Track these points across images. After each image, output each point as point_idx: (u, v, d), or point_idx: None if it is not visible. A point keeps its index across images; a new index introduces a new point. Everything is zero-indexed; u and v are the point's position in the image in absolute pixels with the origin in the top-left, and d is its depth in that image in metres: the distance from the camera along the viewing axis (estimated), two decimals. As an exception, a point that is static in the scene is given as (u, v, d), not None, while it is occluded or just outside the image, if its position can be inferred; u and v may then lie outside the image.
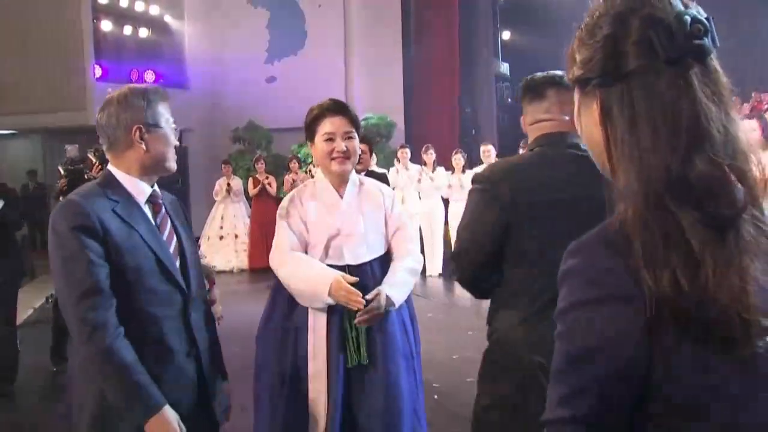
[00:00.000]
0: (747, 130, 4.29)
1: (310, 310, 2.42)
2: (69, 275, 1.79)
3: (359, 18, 14.42)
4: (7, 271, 4.79)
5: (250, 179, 10.19)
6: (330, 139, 2.45)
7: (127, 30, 13.63)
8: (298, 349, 2.42)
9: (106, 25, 13.08)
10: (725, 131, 0.84)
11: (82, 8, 11.97)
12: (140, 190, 1.95)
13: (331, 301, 2.32)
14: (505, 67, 18.25)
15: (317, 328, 2.41)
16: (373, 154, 9.52)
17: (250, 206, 10.42)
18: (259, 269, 9.56)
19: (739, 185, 0.82)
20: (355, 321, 2.34)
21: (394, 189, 9.20)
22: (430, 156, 9.05)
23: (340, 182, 2.53)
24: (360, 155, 4.60)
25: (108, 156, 1.97)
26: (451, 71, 14.42)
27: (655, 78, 0.84)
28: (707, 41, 0.86)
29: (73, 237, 1.77)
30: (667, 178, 0.82)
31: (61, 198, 4.93)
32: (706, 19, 0.86)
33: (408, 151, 9.21)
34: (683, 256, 0.80)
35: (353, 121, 2.51)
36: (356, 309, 2.30)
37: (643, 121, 0.84)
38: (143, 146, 1.91)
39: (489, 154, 8.33)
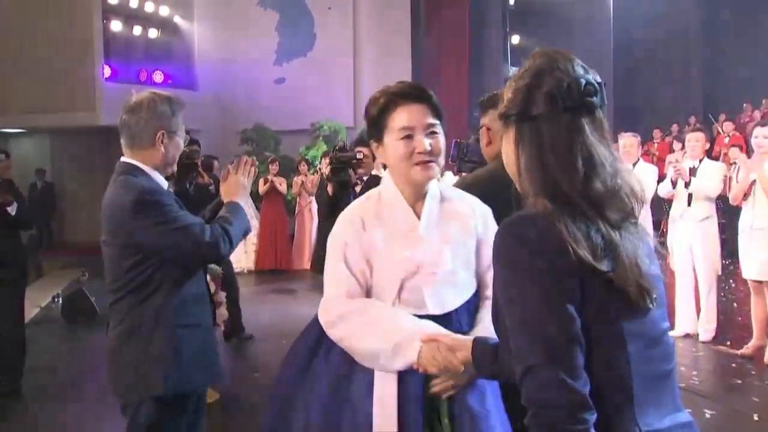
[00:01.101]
0: (760, 136, 4.35)
1: (376, 374, 1.75)
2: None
3: (368, 21, 14.42)
4: (16, 272, 4.78)
5: (261, 179, 10.12)
6: (408, 136, 1.78)
7: (137, 30, 13.65)
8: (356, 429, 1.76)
9: (116, 26, 13.10)
10: (611, 163, 1.18)
11: (92, 8, 11.98)
12: (162, 181, 2.25)
13: (414, 362, 1.66)
14: (514, 72, 18.19)
15: (386, 402, 1.73)
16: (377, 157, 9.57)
17: (257, 208, 10.37)
18: (267, 271, 9.54)
19: (625, 198, 1.17)
20: (433, 389, 1.69)
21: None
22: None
23: (417, 196, 1.85)
24: (361, 159, 4.64)
25: (127, 150, 2.23)
26: (460, 75, 14.39)
27: (556, 122, 1.17)
28: (597, 99, 1.19)
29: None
30: (572, 189, 1.14)
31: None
32: (599, 84, 1.19)
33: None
34: (590, 237, 1.12)
35: (436, 109, 1.83)
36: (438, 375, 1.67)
37: (548, 150, 1.17)
38: (162, 149, 2.20)
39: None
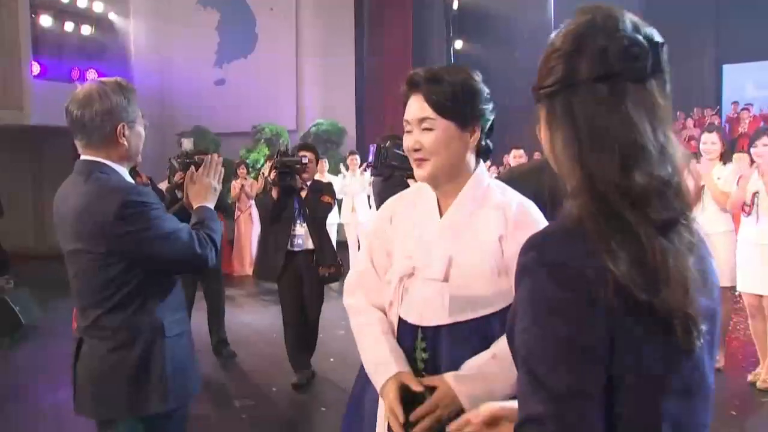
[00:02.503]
0: (708, 143, 4.35)
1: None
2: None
3: (312, 23, 14.23)
4: None
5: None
6: (408, 131, 1.67)
7: (69, 26, 13.07)
8: None
9: (46, 21, 12.52)
10: (661, 149, 0.92)
11: (19, 2, 11.40)
12: (129, 177, 2.08)
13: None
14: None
15: (381, 423, 1.66)
16: (324, 161, 9.47)
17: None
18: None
19: (675, 195, 0.92)
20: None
21: (343, 197, 9.12)
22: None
23: (449, 193, 1.68)
24: (306, 164, 4.66)
25: (84, 149, 2.03)
26: (403, 78, 14.31)
27: (590, 94, 0.93)
28: (646, 64, 0.93)
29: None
30: (608, 184, 0.90)
31: (177, 192, 4.78)
32: (653, 44, 0.93)
33: (357, 157, 9.10)
34: (634, 247, 0.88)
35: (436, 102, 1.62)
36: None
37: (581, 133, 0.93)
38: (125, 143, 2.03)
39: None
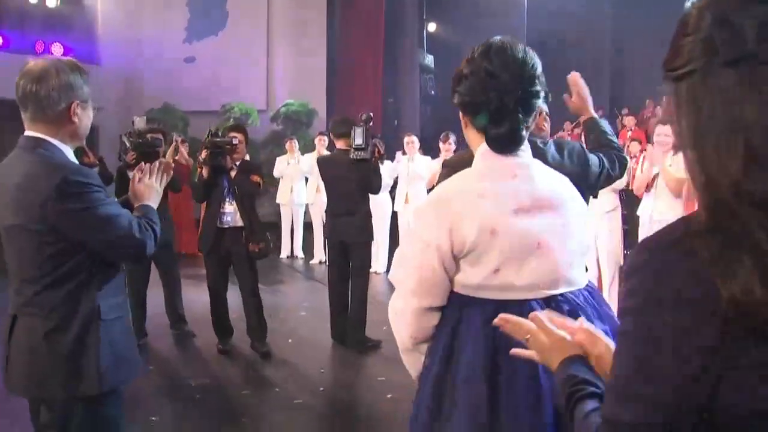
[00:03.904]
0: (662, 134, 4.38)
1: None
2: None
3: (283, 1, 14.06)
4: None
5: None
6: None
7: (33, -2, 12.77)
8: None
9: (10, -8, 12.22)
10: None
11: (-19, -28, 11.10)
12: (73, 157, 2.06)
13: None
14: (429, 59, 18.30)
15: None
16: (295, 141, 9.43)
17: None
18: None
19: None
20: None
21: (308, 178, 9.04)
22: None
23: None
24: (236, 144, 4.89)
25: (31, 123, 2.01)
26: (375, 61, 14.30)
27: (715, 82, 0.79)
28: None
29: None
30: (726, 186, 0.78)
31: (129, 172, 4.89)
32: None
33: (326, 138, 8.96)
34: (754, 259, 0.75)
35: None
36: None
37: (705, 126, 0.80)
38: (77, 120, 2.02)
39: (413, 144, 8.15)
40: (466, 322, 1.63)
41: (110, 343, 2.04)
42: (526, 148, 1.68)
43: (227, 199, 4.93)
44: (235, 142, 4.87)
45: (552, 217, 1.65)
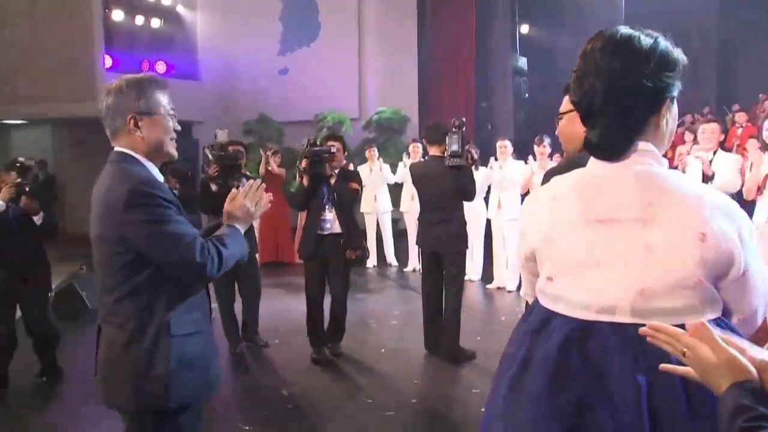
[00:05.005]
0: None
1: None
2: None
3: (374, 10, 14.15)
4: (46, 273, 5.06)
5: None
6: None
7: (139, 20, 13.45)
8: None
9: (118, 15, 12.91)
10: None
11: (92, -3, 11.79)
12: (157, 172, 2.09)
13: None
14: (522, 62, 17.89)
15: None
16: (374, 150, 9.40)
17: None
18: (268, 264, 9.30)
19: None
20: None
21: (403, 184, 8.99)
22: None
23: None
24: (334, 153, 4.94)
25: (113, 142, 2.10)
26: (467, 65, 14.12)
27: None
28: None
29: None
30: None
31: (212, 185, 5.14)
32: None
33: (420, 146, 8.85)
34: None
35: None
36: None
37: None
38: (139, 133, 2.05)
39: (505, 149, 7.91)
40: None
41: (180, 359, 2.02)
42: (643, 156, 1.39)
43: (327, 207, 5.02)
44: (333, 150, 4.97)
45: (634, 234, 1.36)
